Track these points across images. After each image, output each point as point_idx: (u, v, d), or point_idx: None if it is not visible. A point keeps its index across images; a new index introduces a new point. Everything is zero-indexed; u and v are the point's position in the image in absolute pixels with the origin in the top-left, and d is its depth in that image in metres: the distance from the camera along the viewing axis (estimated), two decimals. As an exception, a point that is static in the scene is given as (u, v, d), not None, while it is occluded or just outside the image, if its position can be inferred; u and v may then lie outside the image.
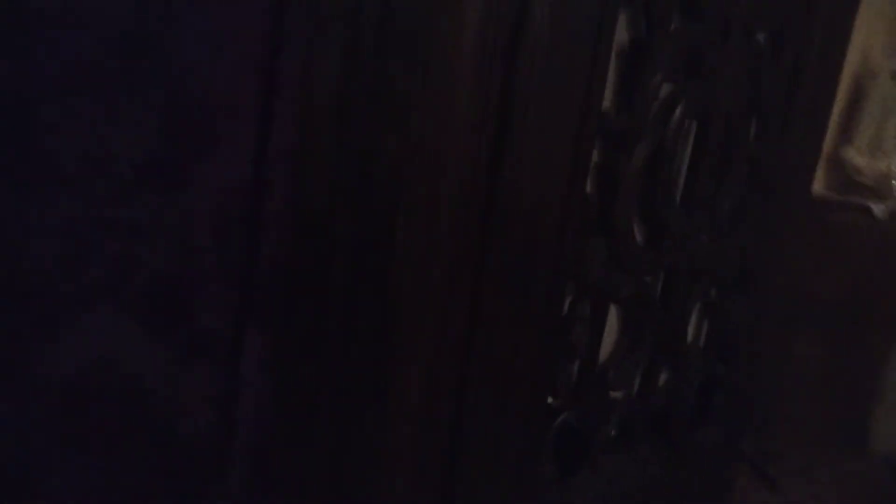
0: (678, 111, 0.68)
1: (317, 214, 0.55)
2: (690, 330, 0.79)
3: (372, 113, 0.52)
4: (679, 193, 0.72)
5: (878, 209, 1.77)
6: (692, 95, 0.68)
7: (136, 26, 0.53)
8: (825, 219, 2.27)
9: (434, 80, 0.51)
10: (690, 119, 0.71)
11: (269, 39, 0.53)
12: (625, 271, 0.68)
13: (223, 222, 0.56)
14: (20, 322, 0.55)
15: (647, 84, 0.64)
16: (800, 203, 0.86)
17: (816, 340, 2.20)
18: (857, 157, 2.16)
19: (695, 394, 0.81)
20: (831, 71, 0.85)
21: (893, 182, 1.94)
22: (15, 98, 0.53)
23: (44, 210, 0.55)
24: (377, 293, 0.54)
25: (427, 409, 0.59)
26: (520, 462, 0.66)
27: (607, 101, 0.63)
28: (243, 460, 0.58)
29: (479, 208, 0.56)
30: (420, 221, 0.55)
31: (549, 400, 0.68)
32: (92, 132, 0.54)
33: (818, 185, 2.40)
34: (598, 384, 0.71)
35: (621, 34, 0.62)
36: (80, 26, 0.52)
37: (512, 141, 0.55)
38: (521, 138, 0.56)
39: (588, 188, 0.64)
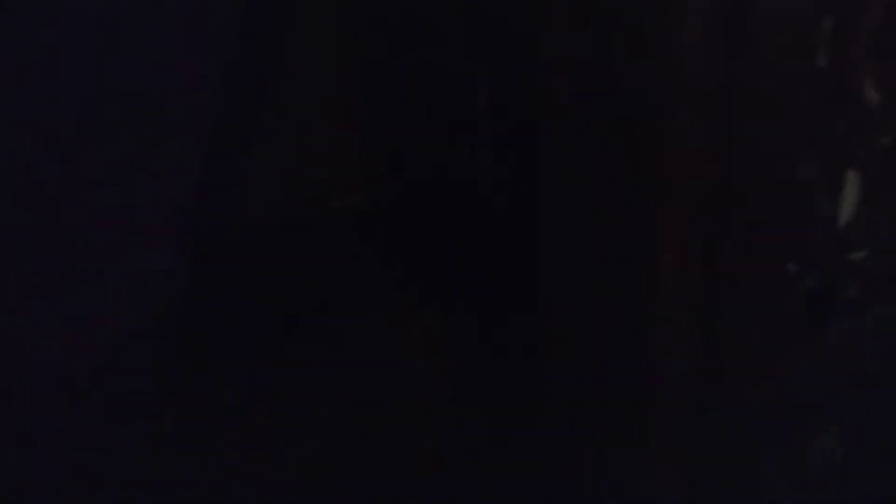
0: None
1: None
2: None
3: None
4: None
5: None
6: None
7: None
8: None
9: None
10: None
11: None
12: (860, 134, 0.71)
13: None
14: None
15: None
16: None
17: None
18: None
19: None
20: None
21: None
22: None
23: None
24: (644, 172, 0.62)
25: (683, 274, 0.67)
26: (771, 320, 0.72)
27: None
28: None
29: (718, 82, 0.61)
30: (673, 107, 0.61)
31: (791, 266, 0.73)
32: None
33: None
34: (836, 247, 0.75)
35: None
36: None
37: (748, 19, 0.60)
38: (755, 14, 0.60)
39: (821, 61, 0.67)
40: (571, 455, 0.80)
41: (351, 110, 0.99)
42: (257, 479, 0.75)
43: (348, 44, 0.93)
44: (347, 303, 0.95)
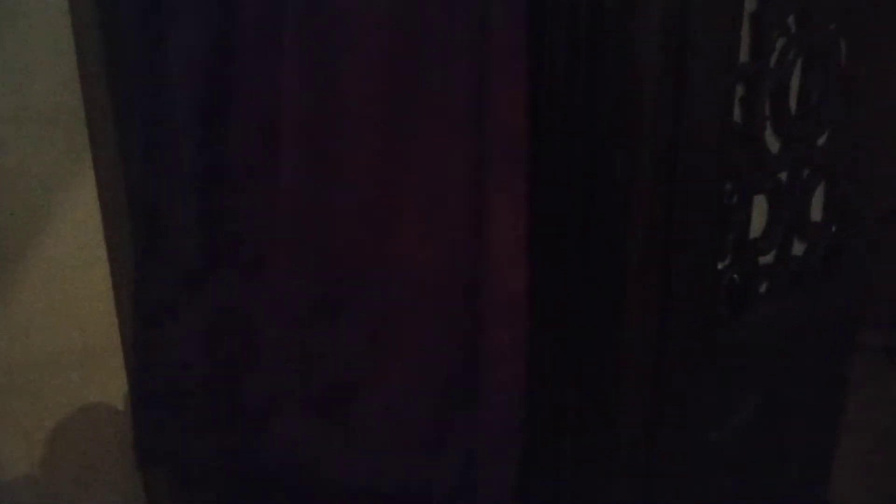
0: (791, 55, 0.97)
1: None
2: (819, 211, 1.10)
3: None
4: (795, 112, 1.02)
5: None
6: (801, 43, 0.98)
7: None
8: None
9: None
10: (798, 58, 1.00)
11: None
12: (764, 171, 0.99)
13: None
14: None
15: (769, 40, 0.94)
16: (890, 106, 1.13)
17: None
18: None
19: (821, 260, 1.11)
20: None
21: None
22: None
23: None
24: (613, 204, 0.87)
25: (644, 272, 0.92)
26: (706, 306, 0.98)
27: (744, 55, 0.93)
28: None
29: (668, 137, 0.88)
30: (630, 148, 0.87)
31: (719, 265, 1.00)
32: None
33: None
34: (750, 251, 1.03)
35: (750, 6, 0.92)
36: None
37: (688, 93, 0.87)
38: (692, 90, 0.88)
39: (735, 117, 0.95)
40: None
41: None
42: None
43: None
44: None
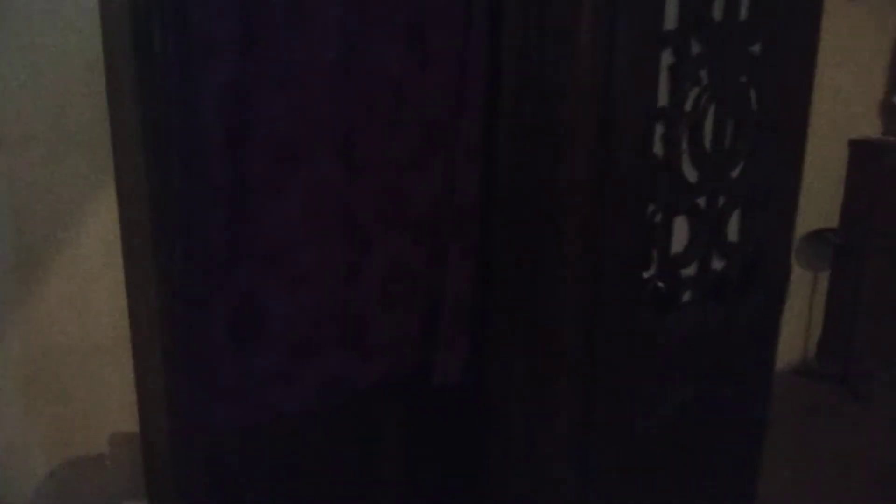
0: (703, 100, 1.17)
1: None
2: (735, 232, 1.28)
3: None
4: (710, 147, 1.22)
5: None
6: (712, 94, 1.18)
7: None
8: (883, 161, 2.57)
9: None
10: (711, 103, 1.19)
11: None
12: (683, 196, 1.19)
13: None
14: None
15: (684, 89, 1.14)
16: (797, 143, 1.33)
17: (885, 267, 2.53)
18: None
19: (738, 274, 1.29)
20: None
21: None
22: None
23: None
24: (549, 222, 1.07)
25: (581, 270, 1.10)
26: (633, 306, 1.16)
27: (662, 100, 1.13)
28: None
29: (598, 165, 1.07)
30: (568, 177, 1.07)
31: (645, 273, 1.18)
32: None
33: (875, 131, 2.71)
34: (671, 264, 1.21)
35: (666, 59, 1.12)
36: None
37: (615, 132, 1.06)
38: (617, 129, 1.07)
39: (656, 150, 1.14)
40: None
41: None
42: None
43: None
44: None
